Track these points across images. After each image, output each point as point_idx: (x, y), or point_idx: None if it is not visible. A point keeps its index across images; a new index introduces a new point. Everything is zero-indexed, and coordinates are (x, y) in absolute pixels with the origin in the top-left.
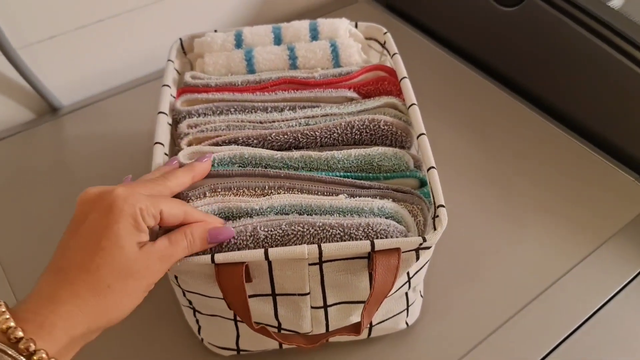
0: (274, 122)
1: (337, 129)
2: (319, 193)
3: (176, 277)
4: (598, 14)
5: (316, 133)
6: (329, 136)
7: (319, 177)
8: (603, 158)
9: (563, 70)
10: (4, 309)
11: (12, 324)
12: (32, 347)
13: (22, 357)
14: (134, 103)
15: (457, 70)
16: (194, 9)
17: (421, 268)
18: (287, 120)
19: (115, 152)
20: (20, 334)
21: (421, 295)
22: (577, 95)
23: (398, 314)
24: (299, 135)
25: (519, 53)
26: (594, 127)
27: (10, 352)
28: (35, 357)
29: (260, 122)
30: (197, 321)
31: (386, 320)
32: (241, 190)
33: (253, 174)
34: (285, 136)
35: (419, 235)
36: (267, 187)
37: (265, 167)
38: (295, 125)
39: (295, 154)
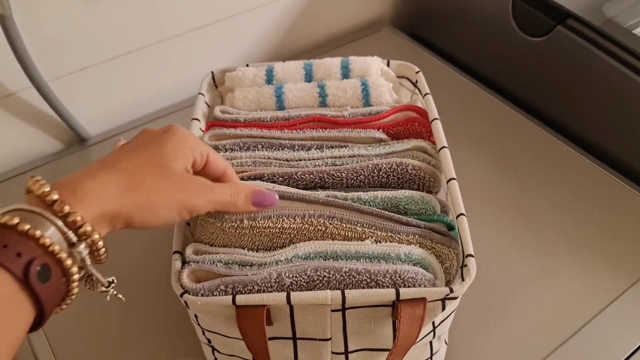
0: (300, 160)
1: (364, 171)
2: (359, 225)
3: (196, 316)
4: (627, 44)
5: (342, 174)
6: (355, 178)
7: (357, 206)
8: (637, 191)
9: (592, 100)
10: (39, 178)
11: (47, 188)
12: (67, 209)
13: (57, 219)
14: None
15: (482, 100)
16: (220, 41)
17: (447, 317)
18: (313, 159)
19: None
20: (55, 196)
21: (445, 343)
22: (608, 126)
23: None
24: (325, 175)
25: (546, 83)
26: (627, 159)
27: (46, 215)
28: (69, 219)
29: (287, 160)
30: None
31: None
32: (281, 219)
33: (292, 196)
34: (311, 175)
35: (447, 282)
36: (307, 215)
37: None
38: (322, 164)
39: (321, 194)
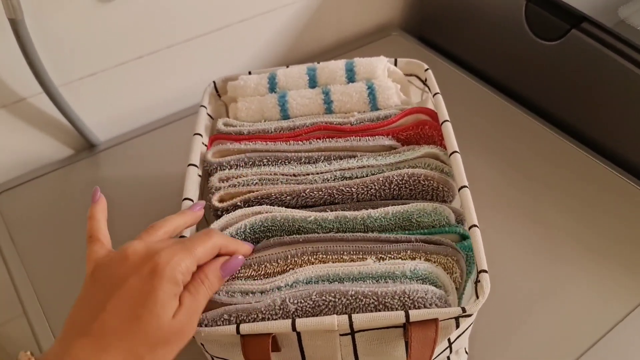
0: (308, 174)
1: (375, 185)
2: (345, 253)
3: (202, 344)
4: None
5: (352, 189)
6: (366, 192)
7: (340, 236)
8: None
9: (608, 104)
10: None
11: None
12: None
13: None
14: (170, 138)
15: (495, 104)
16: (230, 46)
17: (463, 332)
18: (321, 172)
19: (152, 189)
20: None
21: (466, 352)
22: (624, 131)
23: None
24: (334, 191)
25: (561, 88)
26: None
27: None
28: None
29: (294, 175)
30: None
31: None
32: (262, 265)
33: (270, 245)
34: (320, 192)
35: (458, 293)
36: (289, 256)
37: (298, 230)
38: (331, 178)
39: (330, 215)
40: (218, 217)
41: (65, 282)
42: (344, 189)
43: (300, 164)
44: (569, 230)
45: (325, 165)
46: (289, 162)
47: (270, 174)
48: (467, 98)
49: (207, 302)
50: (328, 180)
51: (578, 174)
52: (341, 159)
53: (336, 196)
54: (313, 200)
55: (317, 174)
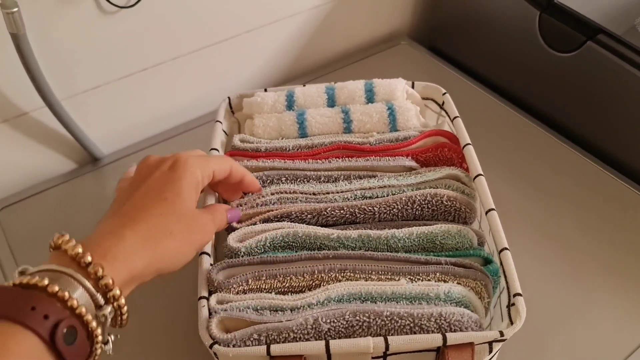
0: (328, 193)
1: (397, 204)
2: (374, 273)
3: None
4: None
5: (375, 208)
6: (388, 212)
7: (370, 254)
8: None
9: (628, 119)
10: (68, 236)
11: (81, 250)
12: (100, 272)
13: (88, 281)
14: (175, 151)
15: (507, 117)
16: (236, 57)
17: (492, 357)
18: (342, 192)
19: None
20: (89, 258)
21: None
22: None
23: None
24: (356, 210)
25: (577, 101)
26: None
27: (76, 276)
28: (102, 282)
29: (314, 194)
30: None
31: None
32: (288, 277)
33: (300, 258)
34: (342, 211)
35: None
36: (316, 271)
37: (320, 247)
38: (351, 197)
39: (353, 233)
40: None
41: None
42: (366, 207)
43: (320, 182)
44: (591, 250)
45: (345, 185)
46: (308, 180)
47: (290, 192)
48: (478, 110)
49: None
50: (349, 200)
51: (600, 192)
52: (361, 178)
53: (358, 215)
54: (334, 219)
55: (338, 192)
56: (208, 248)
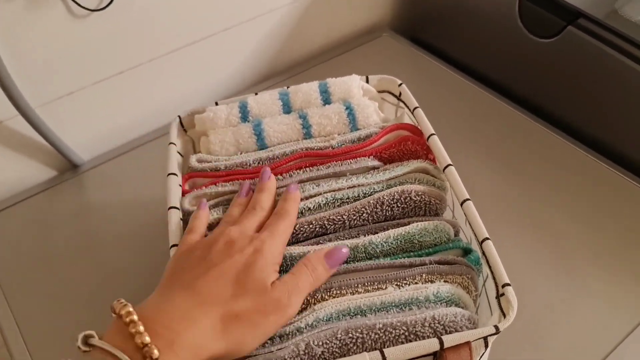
0: None
1: (367, 208)
2: (360, 285)
3: None
4: None
5: (344, 217)
6: (358, 217)
7: (354, 267)
8: None
9: (609, 103)
10: (135, 317)
11: (148, 339)
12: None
13: None
14: (157, 154)
15: (490, 104)
16: (215, 55)
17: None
18: (311, 196)
19: (142, 206)
20: (156, 353)
21: None
22: (627, 130)
23: None
24: (325, 222)
25: (558, 86)
26: None
27: None
28: None
29: None
30: None
31: None
32: None
33: None
34: (311, 225)
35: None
36: None
37: None
38: (322, 201)
39: (328, 246)
40: None
41: (48, 311)
42: (335, 218)
43: None
44: (578, 237)
45: (313, 188)
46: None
47: None
48: (462, 99)
49: (310, 289)
50: (320, 204)
51: (582, 176)
52: (329, 179)
53: (328, 227)
54: (305, 234)
55: (307, 198)
56: None
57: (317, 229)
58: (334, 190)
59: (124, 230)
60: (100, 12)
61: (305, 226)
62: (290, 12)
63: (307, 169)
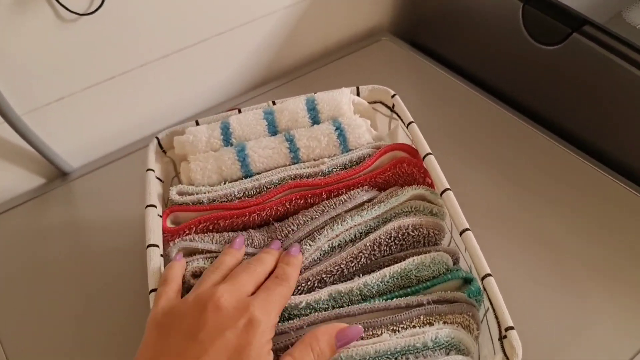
0: None
1: (364, 253)
2: None
3: None
4: None
5: (342, 266)
6: (356, 263)
7: (346, 311)
8: None
9: (613, 112)
10: None
11: None
12: None
13: None
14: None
15: (492, 112)
16: (209, 60)
17: None
18: (310, 255)
19: (129, 216)
20: None
21: None
22: (630, 138)
23: None
24: (323, 275)
25: (562, 94)
26: None
27: None
28: None
29: None
30: None
31: None
32: None
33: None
34: (309, 282)
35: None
36: (290, 345)
37: (289, 318)
38: (319, 254)
39: (322, 294)
40: None
41: (34, 327)
42: (332, 269)
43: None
44: (578, 252)
45: (311, 244)
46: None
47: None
48: (462, 105)
49: None
50: (316, 260)
51: (587, 188)
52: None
53: (326, 280)
54: (302, 292)
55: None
56: None
57: (315, 285)
58: (331, 239)
59: (114, 240)
60: (89, 16)
61: (302, 284)
62: (288, 16)
63: (297, 201)
